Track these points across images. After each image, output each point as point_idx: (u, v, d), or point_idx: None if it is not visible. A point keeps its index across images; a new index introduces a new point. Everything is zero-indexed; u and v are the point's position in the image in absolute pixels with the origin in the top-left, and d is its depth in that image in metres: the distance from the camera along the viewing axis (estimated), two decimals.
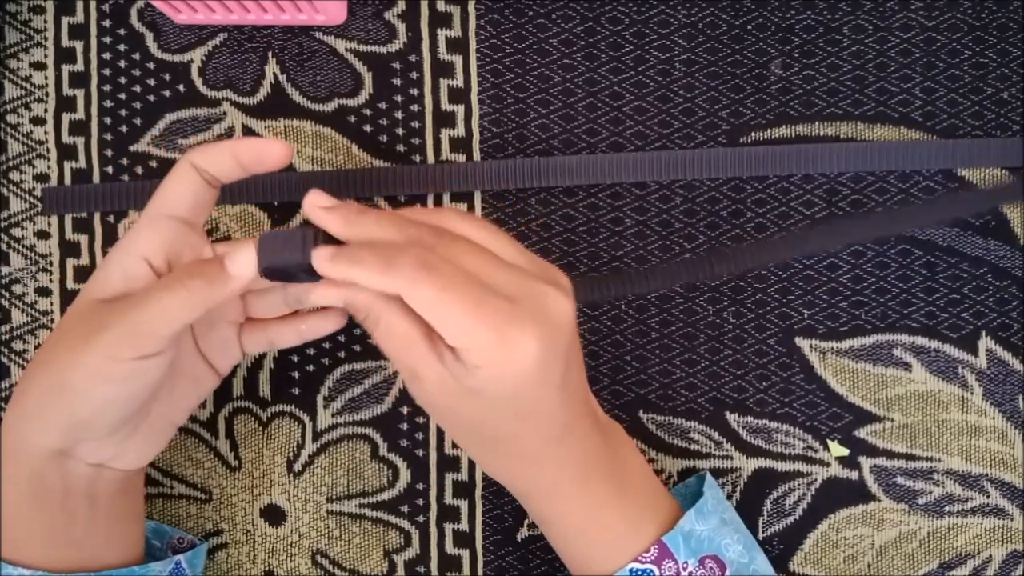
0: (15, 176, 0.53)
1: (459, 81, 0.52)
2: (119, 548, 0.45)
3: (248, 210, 0.53)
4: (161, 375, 0.42)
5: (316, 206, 0.40)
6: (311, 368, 0.52)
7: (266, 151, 0.43)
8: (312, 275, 0.40)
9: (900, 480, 0.51)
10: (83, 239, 0.53)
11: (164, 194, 0.43)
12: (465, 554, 0.52)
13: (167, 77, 0.53)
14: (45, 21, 0.53)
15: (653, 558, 0.43)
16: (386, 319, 0.39)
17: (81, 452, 0.42)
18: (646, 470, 0.46)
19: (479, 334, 0.37)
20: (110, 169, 0.53)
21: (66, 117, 0.53)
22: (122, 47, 0.53)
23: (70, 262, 0.53)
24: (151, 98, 0.53)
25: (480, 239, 0.40)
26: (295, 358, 0.53)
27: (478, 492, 0.52)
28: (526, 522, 0.52)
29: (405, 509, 0.52)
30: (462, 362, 0.38)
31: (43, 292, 0.53)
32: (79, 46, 0.53)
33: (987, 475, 0.50)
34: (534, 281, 0.39)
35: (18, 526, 0.42)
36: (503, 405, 0.39)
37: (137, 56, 0.53)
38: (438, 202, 0.52)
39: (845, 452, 0.51)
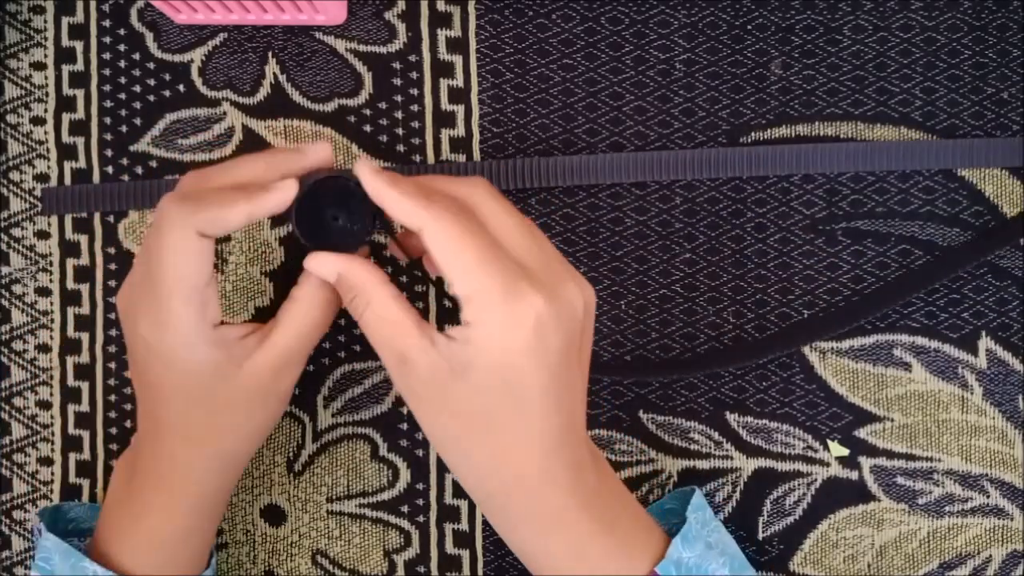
0: (15, 176, 0.53)
1: (459, 81, 0.52)
2: (202, 556, 0.47)
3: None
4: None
5: (367, 168, 0.40)
6: (311, 368, 0.52)
7: (281, 200, 0.41)
8: (351, 238, 0.41)
9: (900, 480, 0.51)
10: (83, 239, 0.53)
11: (186, 262, 0.40)
12: (465, 554, 0.52)
13: (167, 77, 0.53)
14: (45, 21, 0.53)
15: None
16: (378, 301, 0.39)
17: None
18: (630, 498, 0.44)
19: (488, 282, 0.37)
20: (110, 169, 0.53)
21: (66, 117, 0.53)
22: (122, 47, 0.53)
23: (70, 262, 0.53)
24: (151, 98, 0.53)
25: (508, 219, 0.40)
26: None
27: None
28: None
29: (405, 509, 0.52)
30: (458, 330, 0.38)
31: (43, 292, 0.53)
32: (79, 46, 0.53)
33: (987, 475, 0.50)
34: (557, 264, 0.39)
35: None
36: (492, 382, 0.38)
37: (137, 56, 0.53)
38: None
39: (845, 452, 0.51)
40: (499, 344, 0.38)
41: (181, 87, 0.53)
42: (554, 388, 0.39)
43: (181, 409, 0.42)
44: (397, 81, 0.52)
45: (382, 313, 0.39)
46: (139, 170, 0.53)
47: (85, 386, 0.53)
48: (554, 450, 0.40)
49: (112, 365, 0.53)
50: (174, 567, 0.44)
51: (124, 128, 0.53)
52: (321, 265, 0.41)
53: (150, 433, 0.44)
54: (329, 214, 0.41)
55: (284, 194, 0.40)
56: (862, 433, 0.51)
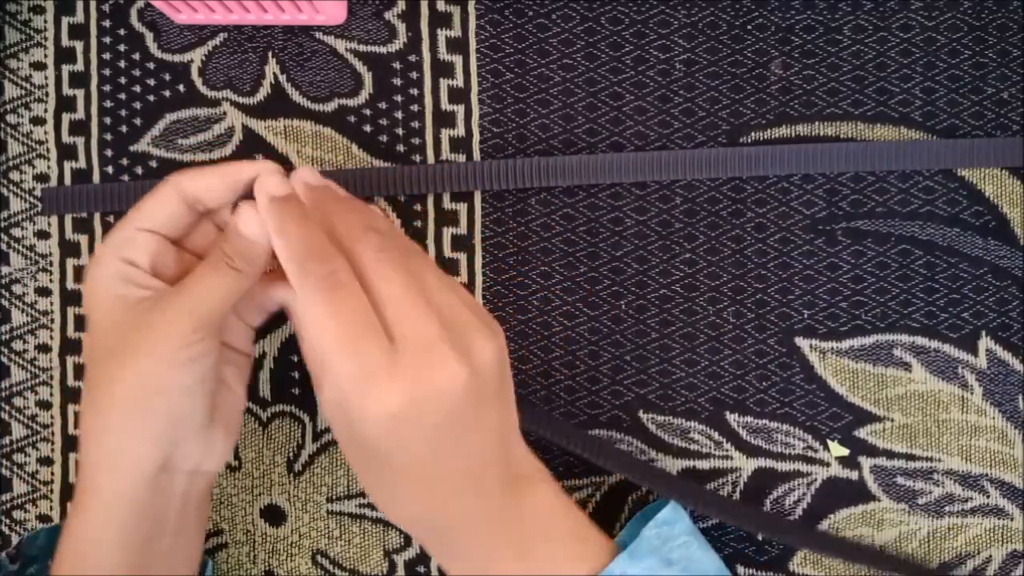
0: (15, 176, 0.53)
1: (459, 81, 0.52)
2: (188, 563, 0.46)
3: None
4: (216, 357, 0.42)
5: (265, 190, 0.42)
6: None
7: (260, 174, 0.43)
8: None
9: (900, 480, 0.51)
10: (83, 239, 0.53)
11: (142, 208, 0.43)
12: None
13: (167, 77, 0.53)
14: (45, 21, 0.53)
15: None
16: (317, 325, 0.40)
17: (178, 459, 0.42)
18: (571, 517, 0.44)
19: (344, 370, 0.38)
20: (110, 169, 0.53)
21: (66, 117, 0.53)
22: (122, 47, 0.53)
23: (70, 262, 0.53)
24: (151, 98, 0.53)
25: (392, 283, 0.40)
26: (295, 358, 0.53)
27: None
28: None
29: None
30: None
31: (43, 292, 0.53)
32: (79, 46, 0.53)
33: (987, 475, 0.50)
34: (434, 336, 0.39)
35: (101, 562, 0.42)
36: (369, 447, 0.40)
37: (137, 56, 0.53)
38: (438, 203, 0.52)
39: (845, 452, 0.51)
40: (363, 424, 0.39)
41: (181, 87, 0.53)
42: (426, 459, 0.40)
43: (97, 334, 0.42)
44: (397, 81, 0.52)
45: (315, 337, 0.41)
46: (139, 170, 0.53)
47: None
48: (452, 498, 0.41)
49: None
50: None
51: (124, 128, 0.53)
52: (276, 294, 0.43)
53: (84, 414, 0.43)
54: None
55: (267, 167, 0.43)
56: (862, 433, 0.51)
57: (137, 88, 0.53)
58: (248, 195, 0.43)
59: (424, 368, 0.39)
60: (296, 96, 0.53)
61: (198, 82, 0.53)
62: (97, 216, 0.53)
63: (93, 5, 0.53)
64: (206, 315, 0.41)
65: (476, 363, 0.40)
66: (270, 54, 0.53)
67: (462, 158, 0.52)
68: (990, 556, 0.51)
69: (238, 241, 0.42)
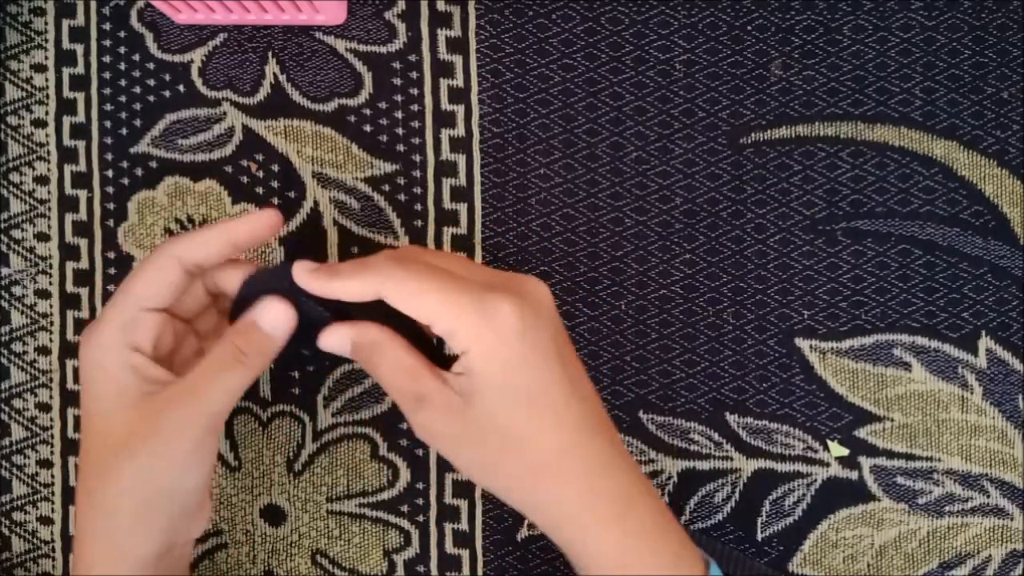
0: (15, 178, 0.53)
1: (459, 81, 0.52)
2: None
3: (248, 210, 0.53)
4: (218, 444, 0.44)
5: (305, 274, 0.42)
6: (311, 368, 0.52)
7: (260, 224, 0.44)
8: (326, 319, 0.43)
9: (900, 480, 0.51)
10: (83, 242, 0.53)
11: (139, 288, 0.43)
12: (465, 554, 0.52)
13: (167, 77, 0.53)
14: (46, 23, 0.53)
15: None
16: (391, 353, 0.41)
17: (177, 541, 0.43)
18: (671, 531, 0.42)
19: (459, 313, 0.38)
20: (110, 172, 0.53)
21: (67, 120, 0.53)
22: (122, 48, 0.53)
23: (69, 265, 0.53)
24: (151, 98, 0.53)
25: (444, 255, 0.42)
26: (295, 358, 0.53)
27: (478, 492, 0.52)
28: (526, 522, 0.52)
29: (405, 509, 0.52)
30: (458, 362, 0.39)
31: (42, 294, 0.53)
32: (79, 49, 0.53)
33: (987, 475, 0.50)
34: (504, 275, 0.41)
35: None
36: (503, 397, 0.39)
37: (137, 57, 0.53)
38: (438, 203, 0.52)
39: (845, 452, 0.51)
40: (497, 360, 0.39)
41: (181, 87, 0.53)
42: (566, 374, 0.40)
43: (103, 420, 0.42)
44: (397, 81, 0.52)
45: (397, 363, 0.41)
46: (139, 171, 0.53)
47: None
48: (578, 438, 0.40)
49: None
50: None
51: (124, 130, 0.53)
52: (336, 339, 0.42)
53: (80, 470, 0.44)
54: (318, 319, 0.43)
55: (262, 217, 0.44)
56: (862, 433, 0.51)
57: (137, 89, 0.53)
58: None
59: (516, 286, 0.40)
60: (296, 96, 0.53)
61: (198, 82, 0.53)
62: (97, 218, 0.53)
63: (94, 7, 0.53)
64: (216, 416, 0.41)
65: (548, 290, 0.42)
66: (270, 54, 0.53)
67: (462, 158, 0.52)
68: (990, 556, 0.51)
69: (256, 336, 0.42)
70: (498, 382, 0.39)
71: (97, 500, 0.42)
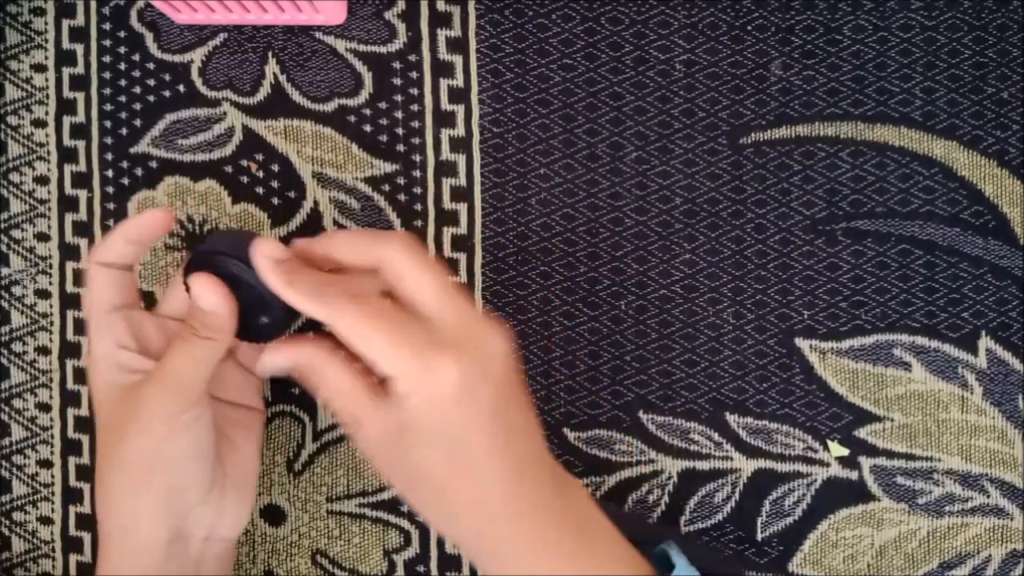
0: (15, 178, 0.53)
1: (459, 81, 0.52)
2: None
3: (248, 210, 0.53)
4: (211, 420, 0.44)
5: (265, 255, 0.42)
6: None
7: (146, 224, 0.46)
8: (277, 328, 0.44)
9: (900, 480, 0.51)
10: (83, 242, 0.53)
11: (92, 296, 0.46)
12: None
13: (167, 77, 0.53)
14: (46, 23, 0.53)
15: None
16: (329, 375, 0.41)
17: (190, 527, 0.44)
18: (613, 532, 0.43)
19: (401, 360, 0.39)
20: (110, 172, 0.53)
21: (67, 120, 0.53)
22: (122, 49, 0.53)
23: (69, 265, 0.53)
24: (151, 98, 0.53)
25: (420, 278, 0.41)
26: None
27: None
28: None
29: (405, 509, 0.52)
30: (395, 397, 0.39)
31: (42, 294, 0.53)
32: (79, 49, 0.53)
33: (987, 475, 0.50)
34: (468, 317, 0.40)
35: None
36: (435, 440, 0.40)
37: (137, 57, 0.53)
38: (438, 203, 0.52)
39: (845, 452, 0.51)
40: (430, 413, 0.39)
41: (181, 87, 0.53)
42: (493, 429, 0.40)
43: (101, 420, 0.45)
44: (397, 81, 0.52)
45: (335, 386, 0.41)
46: (139, 171, 0.53)
47: (84, 390, 0.53)
48: (510, 494, 0.41)
49: None
50: None
51: (124, 131, 0.53)
52: (275, 363, 0.43)
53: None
54: (251, 314, 0.44)
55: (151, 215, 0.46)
56: (862, 433, 0.51)
57: (137, 89, 0.53)
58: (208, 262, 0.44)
59: (471, 339, 0.40)
60: (296, 96, 0.53)
61: (198, 82, 0.53)
62: (97, 219, 0.53)
63: (94, 7, 0.53)
64: (187, 385, 0.43)
65: (505, 340, 0.41)
66: (270, 54, 0.53)
67: (462, 158, 0.52)
68: (990, 556, 0.51)
69: (200, 313, 0.43)
70: (427, 428, 0.39)
71: (101, 476, 0.44)
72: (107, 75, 0.53)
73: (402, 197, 0.52)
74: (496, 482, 0.40)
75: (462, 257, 0.52)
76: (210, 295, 0.43)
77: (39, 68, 0.53)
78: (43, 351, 0.53)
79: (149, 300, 0.53)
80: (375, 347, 0.39)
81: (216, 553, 0.46)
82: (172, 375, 0.43)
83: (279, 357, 0.43)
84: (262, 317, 0.44)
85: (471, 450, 0.40)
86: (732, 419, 0.51)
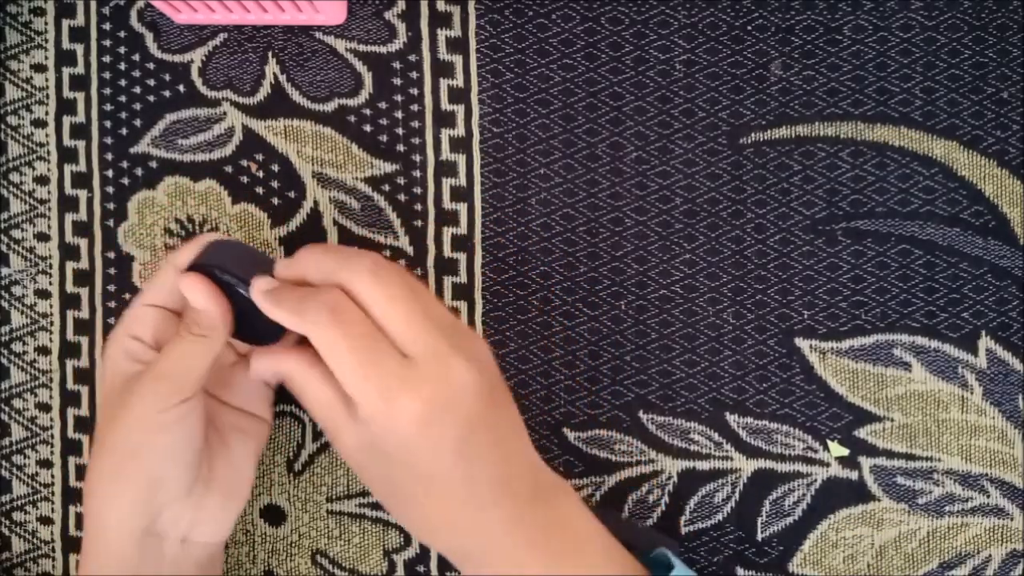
0: (15, 178, 0.53)
1: (459, 81, 0.52)
2: None
3: (248, 210, 0.53)
4: (201, 418, 0.44)
5: (258, 291, 0.44)
6: None
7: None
8: (271, 334, 0.46)
9: (900, 480, 0.51)
10: (83, 242, 0.53)
11: (147, 289, 0.47)
12: None
13: (167, 77, 0.53)
14: (46, 23, 0.53)
15: None
16: (310, 386, 0.43)
17: (166, 524, 0.44)
18: (604, 535, 0.44)
19: (366, 389, 0.40)
20: (110, 172, 0.53)
21: (67, 120, 0.53)
22: (122, 49, 0.53)
23: (69, 265, 0.53)
24: (151, 99, 0.53)
25: (388, 309, 0.41)
26: None
27: None
28: None
29: None
30: (361, 417, 0.41)
31: (42, 294, 0.53)
32: (79, 49, 0.53)
33: (987, 475, 0.50)
34: (441, 345, 0.41)
35: None
36: (400, 462, 0.41)
37: (137, 57, 0.53)
38: (438, 202, 0.52)
39: (845, 452, 0.51)
40: (391, 438, 0.40)
41: (181, 87, 0.53)
42: (455, 460, 0.41)
43: (101, 407, 0.46)
44: (397, 81, 0.52)
45: (315, 395, 0.43)
46: (139, 171, 0.53)
47: (84, 391, 0.53)
48: (480, 517, 0.42)
49: None
50: None
51: (124, 131, 0.53)
52: (261, 369, 0.45)
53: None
54: (249, 315, 0.45)
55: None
56: (862, 433, 0.51)
57: (137, 89, 0.53)
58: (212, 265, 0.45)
59: (440, 374, 0.40)
60: (296, 96, 0.53)
61: (198, 82, 0.53)
62: (97, 219, 0.53)
63: (94, 7, 0.53)
64: (178, 380, 0.43)
65: (481, 364, 0.42)
66: (270, 54, 0.53)
67: (462, 158, 0.52)
68: (990, 556, 0.51)
69: (193, 312, 0.45)
70: (392, 450, 0.41)
71: (91, 463, 0.45)
72: (107, 75, 0.53)
73: (402, 197, 0.52)
74: (466, 506, 0.41)
75: (462, 257, 0.52)
76: (199, 294, 0.44)
77: (39, 68, 0.53)
78: (43, 351, 0.53)
79: None
80: (345, 370, 0.40)
81: (196, 559, 0.46)
82: (165, 369, 0.44)
83: (263, 365, 0.45)
84: (260, 318, 0.44)
85: (437, 476, 0.41)
86: (732, 419, 0.51)
